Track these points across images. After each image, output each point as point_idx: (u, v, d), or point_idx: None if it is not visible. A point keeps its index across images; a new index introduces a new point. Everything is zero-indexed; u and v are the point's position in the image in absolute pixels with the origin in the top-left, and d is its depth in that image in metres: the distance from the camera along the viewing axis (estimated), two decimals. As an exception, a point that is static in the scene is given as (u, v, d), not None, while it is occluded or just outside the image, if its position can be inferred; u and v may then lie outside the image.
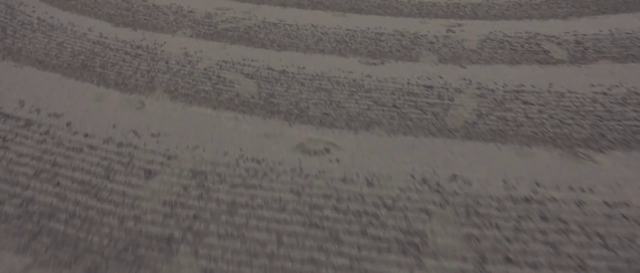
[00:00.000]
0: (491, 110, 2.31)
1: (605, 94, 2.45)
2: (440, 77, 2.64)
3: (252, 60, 2.84)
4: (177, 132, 2.13)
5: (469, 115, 2.27)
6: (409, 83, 2.57)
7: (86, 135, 2.10)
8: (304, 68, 2.74)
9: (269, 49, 3.02)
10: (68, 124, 2.19)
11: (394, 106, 2.34)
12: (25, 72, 2.71)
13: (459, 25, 3.44)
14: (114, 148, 2.02)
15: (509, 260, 1.50)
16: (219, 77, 2.63)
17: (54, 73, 2.69)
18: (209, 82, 2.57)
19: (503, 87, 2.54)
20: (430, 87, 2.53)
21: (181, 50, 2.98)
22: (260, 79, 2.61)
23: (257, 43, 3.10)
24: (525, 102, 2.38)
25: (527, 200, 1.74)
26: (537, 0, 4.00)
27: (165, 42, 3.10)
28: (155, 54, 2.92)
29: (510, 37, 3.22)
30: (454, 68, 2.76)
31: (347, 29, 3.35)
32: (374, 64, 2.81)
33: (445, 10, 3.77)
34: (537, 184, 1.81)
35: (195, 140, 2.08)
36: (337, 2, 3.96)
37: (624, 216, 1.66)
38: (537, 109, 2.32)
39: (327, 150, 2.01)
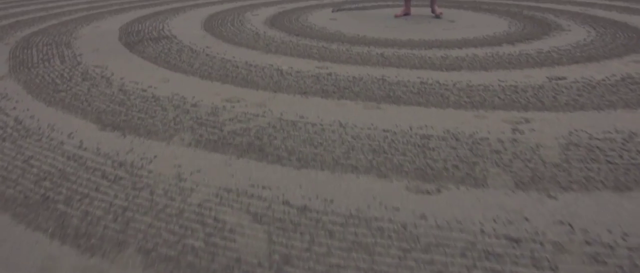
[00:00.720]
0: (625, 295, 1.42)
1: None
2: (526, 220, 1.77)
3: (263, 188, 2.03)
4: None
5: (592, 307, 1.39)
6: (482, 231, 1.72)
7: None
8: (332, 202, 1.92)
9: (285, 165, 2.22)
10: (-16, 328, 1.40)
11: (471, 285, 1.48)
12: (-32, 212, 1.96)
13: (526, 120, 2.59)
14: None
15: None
16: (216, 220, 1.83)
17: (3, 214, 1.93)
18: (202, 232, 1.76)
19: (623, 238, 1.65)
20: (517, 240, 1.66)
21: (174, 170, 2.20)
22: (273, 223, 1.79)
23: (271, 155, 2.31)
24: (670, 274, 1.49)
25: None
26: (611, 80, 3.14)
27: (155, 157, 2.33)
28: (140, 178, 2.14)
29: (598, 139, 2.35)
30: (541, 199, 1.90)
31: (384, 130, 2.53)
32: (428, 192, 1.97)
33: (501, 97, 2.93)
34: None
35: None
36: (368, 87, 3.18)
37: None
38: (695, 290, 1.43)
39: None
